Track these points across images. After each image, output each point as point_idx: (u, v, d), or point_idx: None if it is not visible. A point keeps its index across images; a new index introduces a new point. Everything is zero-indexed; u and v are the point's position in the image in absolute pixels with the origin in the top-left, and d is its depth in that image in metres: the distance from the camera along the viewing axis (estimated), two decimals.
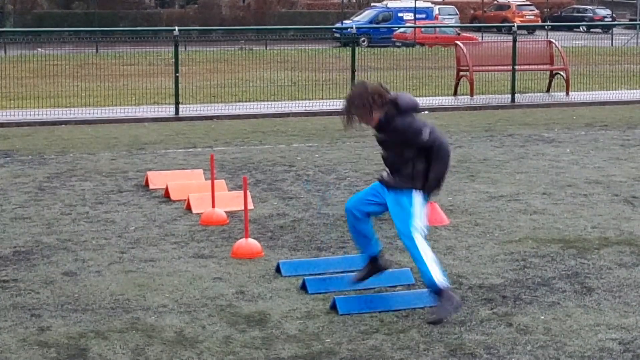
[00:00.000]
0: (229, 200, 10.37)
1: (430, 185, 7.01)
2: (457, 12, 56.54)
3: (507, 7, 60.77)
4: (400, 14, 50.00)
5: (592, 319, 6.91)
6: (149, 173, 12.00)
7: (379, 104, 6.94)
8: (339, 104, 21.96)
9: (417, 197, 6.99)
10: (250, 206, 10.19)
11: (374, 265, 7.37)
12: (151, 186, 11.64)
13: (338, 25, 43.23)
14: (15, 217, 10.17)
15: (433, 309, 6.90)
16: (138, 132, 16.95)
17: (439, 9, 53.41)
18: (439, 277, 6.90)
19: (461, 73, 22.95)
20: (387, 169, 7.15)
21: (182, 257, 8.56)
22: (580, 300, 7.35)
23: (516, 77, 22.22)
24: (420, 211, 7.01)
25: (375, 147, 15.02)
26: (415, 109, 7.05)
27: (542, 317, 6.94)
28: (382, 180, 7.15)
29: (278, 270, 8.05)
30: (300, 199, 11.00)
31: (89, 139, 16.06)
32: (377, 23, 48.97)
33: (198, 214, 10.09)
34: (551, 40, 24.80)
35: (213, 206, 9.93)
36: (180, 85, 19.66)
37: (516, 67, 22.28)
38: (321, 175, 12.51)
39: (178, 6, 59.48)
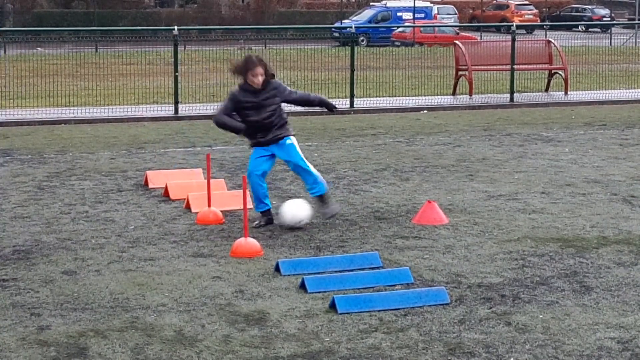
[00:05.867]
0: (228, 199, 10.39)
1: None
2: (456, 12, 56.58)
3: (506, 6, 60.81)
4: (399, 14, 50.06)
5: (590, 318, 6.92)
6: (149, 172, 12.02)
7: (270, 72, 9.67)
8: (338, 104, 22.06)
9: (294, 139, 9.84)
10: (250, 205, 10.20)
11: (267, 217, 9.77)
12: (150, 185, 11.66)
13: (337, 24, 43.25)
14: (15, 216, 10.18)
15: (327, 210, 9.75)
16: (137, 132, 16.97)
17: (437, 8, 53.44)
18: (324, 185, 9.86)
19: (460, 72, 22.97)
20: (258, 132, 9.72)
21: (181, 256, 8.58)
22: (578, 299, 7.36)
23: (515, 77, 22.24)
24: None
25: (374, 146, 15.07)
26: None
27: (541, 316, 6.96)
28: (259, 143, 9.74)
29: (277, 269, 8.06)
30: (299, 198, 11.00)
31: (89, 138, 16.08)
32: (376, 22, 49.01)
33: (197, 213, 10.10)
34: (550, 39, 24.83)
35: (209, 205, 9.94)
36: (179, 85, 19.69)
37: (515, 66, 22.31)
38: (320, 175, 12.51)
39: (177, 5, 59.51)
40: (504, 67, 22.84)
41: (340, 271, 7.97)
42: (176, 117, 19.08)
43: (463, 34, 44.22)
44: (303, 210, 9.52)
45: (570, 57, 25.65)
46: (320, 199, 9.78)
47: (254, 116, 9.63)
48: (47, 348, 6.35)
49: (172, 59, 19.96)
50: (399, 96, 22.03)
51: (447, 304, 7.20)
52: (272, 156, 9.77)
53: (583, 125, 17.77)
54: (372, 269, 8.10)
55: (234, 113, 9.68)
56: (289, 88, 9.87)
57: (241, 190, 9.04)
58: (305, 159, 9.78)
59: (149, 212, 10.34)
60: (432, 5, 52.86)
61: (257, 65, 9.55)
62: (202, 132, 16.84)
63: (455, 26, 46.00)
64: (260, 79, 9.57)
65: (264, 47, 35.49)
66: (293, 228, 9.45)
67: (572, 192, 11.38)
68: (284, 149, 9.72)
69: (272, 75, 9.75)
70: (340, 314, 6.99)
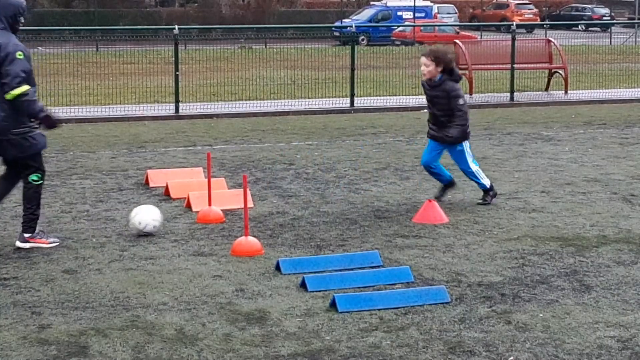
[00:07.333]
0: (229, 198, 10.39)
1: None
2: (456, 11, 56.63)
3: (506, 5, 60.84)
4: (399, 13, 50.10)
5: (590, 317, 6.92)
6: (149, 171, 12.03)
7: (449, 67, 10.07)
8: (338, 103, 21.98)
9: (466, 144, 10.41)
10: (250, 204, 10.21)
11: (451, 184, 10.73)
12: (151, 184, 11.66)
13: (337, 24, 43.25)
14: (16, 215, 10.18)
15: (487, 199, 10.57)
16: (138, 131, 16.98)
17: (438, 7, 53.47)
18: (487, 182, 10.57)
19: (460, 72, 22.95)
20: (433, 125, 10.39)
21: (182, 255, 8.59)
22: (578, 298, 7.37)
23: (515, 76, 22.25)
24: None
25: (374, 145, 15.09)
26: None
27: (541, 315, 6.96)
28: (432, 136, 10.40)
29: (278, 268, 8.07)
30: (299, 197, 11.03)
31: (90, 137, 16.08)
32: (376, 22, 49.04)
33: (198, 212, 10.10)
34: (550, 38, 24.84)
35: (210, 204, 9.95)
36: (180, 84, 19.69)
37: (515, 65, 22.31)
38: (321, 174, 12.53)
39: (178, 5, 59.56)
40: (504, 66, 22.85)
41: (340, 270, 7.98)
42: (177, 116, 19.09)
43: (463, 33, 44.23)
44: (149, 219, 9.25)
45: (570, 56, 25.66)
46: (484, 191, 10.59)
47: (431, 107, 10.37)
48: (47, 347, 6.35)
49: (173, 58, 19.97)
50: (399, 95, 22.03)
51: (447, 302, 7.20)
52: (443, 150, 10.45)
53: (583, 124, 17.78)
54: (373, 267, 8.11)
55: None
56: (462, 99, 10.15)
57: (241, 189, 9.05)
58: (471, 164, 10.44)
59: None
60: (432, 4, 52.89)
61: (422, 56, 10.19)
62: (202, 131, 16.85)
63: (456, 25, 46.02)
64: (424, 69, 10.11)
65: (264, 47, 35.54)
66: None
67: (572, 191, 11.39)
68: (454, 154, 10.45)
69: (453, 75, 10.18)
70: (341, 312, 7.00)
